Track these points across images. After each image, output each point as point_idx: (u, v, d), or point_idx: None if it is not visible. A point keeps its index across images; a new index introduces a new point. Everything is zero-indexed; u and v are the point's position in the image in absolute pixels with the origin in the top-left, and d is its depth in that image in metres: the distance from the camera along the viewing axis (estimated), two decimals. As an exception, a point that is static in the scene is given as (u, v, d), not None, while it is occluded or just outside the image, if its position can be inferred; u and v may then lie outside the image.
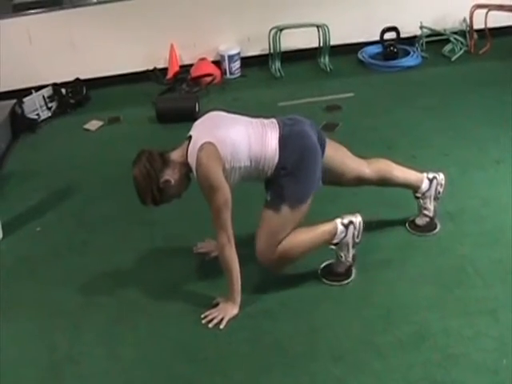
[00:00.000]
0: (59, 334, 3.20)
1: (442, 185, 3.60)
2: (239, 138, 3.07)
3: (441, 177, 3.61)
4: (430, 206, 3.60)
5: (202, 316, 3.15)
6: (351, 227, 3.21)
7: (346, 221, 3.21)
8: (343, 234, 3.21)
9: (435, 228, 3.63)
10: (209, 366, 2.91)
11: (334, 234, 3.20)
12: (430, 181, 3.57)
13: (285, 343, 2.99)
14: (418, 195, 3.59)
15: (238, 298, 3.16)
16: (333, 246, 3.27)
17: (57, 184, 4.66)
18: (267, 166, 3.10)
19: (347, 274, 3.34)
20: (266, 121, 3.22)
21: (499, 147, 4.44)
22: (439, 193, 3.60)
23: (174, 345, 3.06)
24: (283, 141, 3.10)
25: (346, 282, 3.32)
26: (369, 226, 3.42)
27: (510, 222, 3.62)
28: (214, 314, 3.14)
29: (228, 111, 3.32)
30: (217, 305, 3.19)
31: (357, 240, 3.25)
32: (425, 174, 3.59)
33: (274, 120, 3.23)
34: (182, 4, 6.28)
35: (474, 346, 2.84)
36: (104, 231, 4.03)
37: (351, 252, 3.28)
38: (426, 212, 3.61)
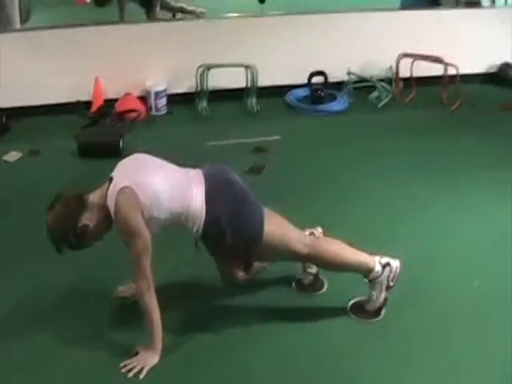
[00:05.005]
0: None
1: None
2: (161, 188, 2.98)
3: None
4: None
5: (121, 365, 3.00)
6: (387, 269, 3.20)
7: (383, 261, 3.21)
8: (378, 274, 3.20)
9: None
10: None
11: (371, 270, 3.19)
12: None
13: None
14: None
15: (159, 347, 3.03)
16: (367, 281, 3.25)
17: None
18: (192, 222, 3.03)
19: (376, 313, 3.29)
20: (192, 172, 3.16)
21: (425, 194, 4.52)
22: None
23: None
24: (211, 194, 3.05)
25: (375, 320, 3.27)
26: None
27: (430, 276, 3.63)
28: (134, 364, 2.99)
29: (153, 149, 3.23)
30: (137, 353, 3.05)
31: (391, 283, 3.23)
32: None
33: (199, 171, 3.17)
34: (109, 37, 6.18)
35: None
36: (19, 270, 3.81)
37: (383, 294, 3.25)
38: None
